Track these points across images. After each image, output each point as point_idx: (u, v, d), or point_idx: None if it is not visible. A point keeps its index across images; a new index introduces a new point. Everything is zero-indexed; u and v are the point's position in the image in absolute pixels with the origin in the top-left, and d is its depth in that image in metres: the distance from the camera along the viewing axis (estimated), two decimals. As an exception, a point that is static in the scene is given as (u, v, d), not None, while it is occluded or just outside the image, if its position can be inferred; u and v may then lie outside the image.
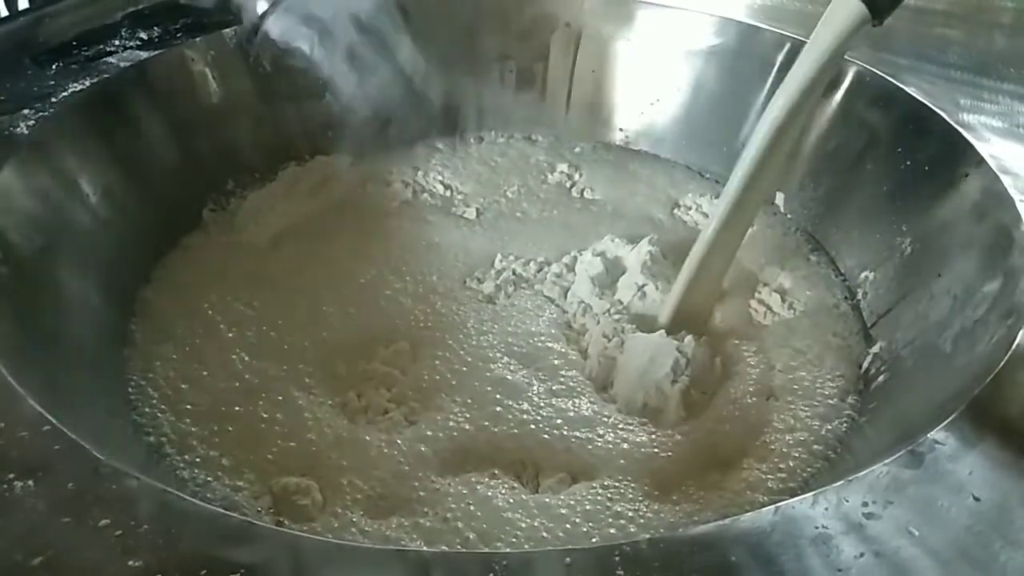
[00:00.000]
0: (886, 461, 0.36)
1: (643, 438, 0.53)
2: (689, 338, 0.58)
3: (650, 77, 0.79)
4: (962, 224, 0.56)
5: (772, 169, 0.55)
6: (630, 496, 0.49)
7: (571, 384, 0.57)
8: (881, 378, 0.55)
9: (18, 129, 0.56)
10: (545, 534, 0.46)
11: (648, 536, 0.33)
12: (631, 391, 0.56)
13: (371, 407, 0.55)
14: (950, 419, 0.38)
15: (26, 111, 0.58)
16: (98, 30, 0.70)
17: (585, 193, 0.77)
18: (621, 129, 0.82)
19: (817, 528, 0.33)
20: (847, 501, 0.34)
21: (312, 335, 0.60)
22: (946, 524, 0.33)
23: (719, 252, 0.59)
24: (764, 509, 0.33)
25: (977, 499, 0.34)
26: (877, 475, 0.35)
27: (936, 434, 0.37)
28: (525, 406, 0.55)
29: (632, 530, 0.46)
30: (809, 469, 0.51)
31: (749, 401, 0.56)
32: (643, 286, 0.63)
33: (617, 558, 0.31)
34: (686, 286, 0.60)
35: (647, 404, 0.55)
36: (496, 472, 0.50)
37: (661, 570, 0.31)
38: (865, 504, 0.34)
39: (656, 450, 0.52)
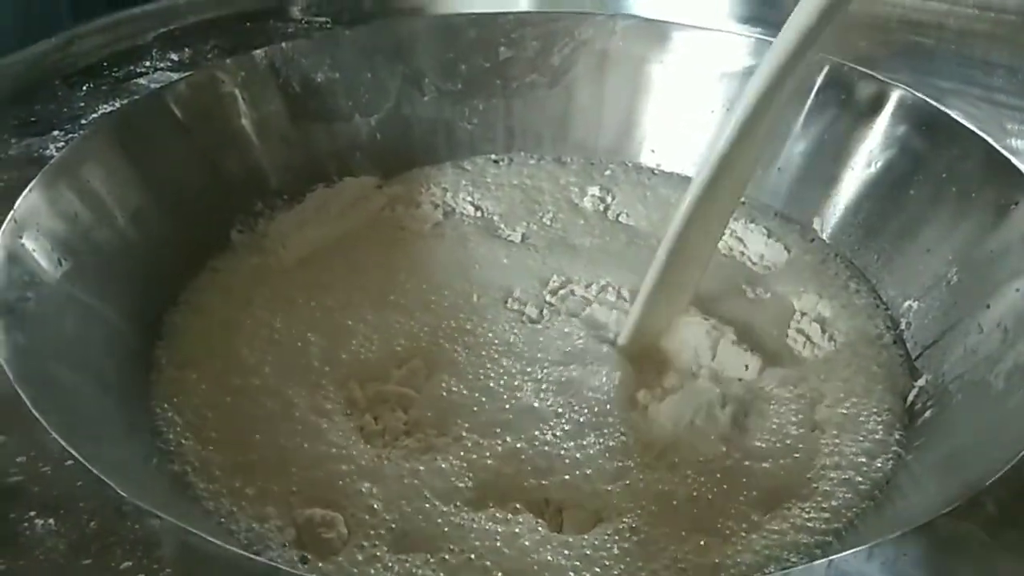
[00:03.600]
0: (944, 512, 0.34)
1: (676, 473, 0.51)
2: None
3: (683, 98, 0.78)
4: (1012, 254, 0.54)
5: (746, 162, 0.52)
6: (663, 538, 0.47)
7: (601, 415, 0.55)
8: (928, 413, 0.53)
9: (48, 151, 0.56)
10: (572, 574, 0.45)
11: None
12: (679, 407, 0.55)
13: (388, 430, 0.54)
14: (1010, 466, 0.36)
15: (56, 133, 0.58)
16: (128, 51, 0.70)
17: (620, 218, 0.76)
18: (653, 151, 0.81)
19: (874, 586, 0.31)
20: (905, 556, 0.32)
21: (335, 359, 0.59)
22: (1010, 581, 0.31)
23: (684, 260, 0.56)
24: (817, 563, 0.32)
25: (1043, 554, 0.32)
26: (935, 527, 0.33)
27: (995, 482, 0.35)
28: (549, 436, 0.53)
29: (666, 575, 0.44)
30: (855, 509, 0.48)
31: (791, 435, 0.53)
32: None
33: (659, 614, 0.30)
34: (648, 298, 0.57)
35: (692, 423, 0.54)
36: (518, 507, 0.48)
37: (707, 627, 0.29)
38: (923, 559, 0.32)
39: (692, 488, 0.50)
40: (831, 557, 0.32)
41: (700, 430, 0.54)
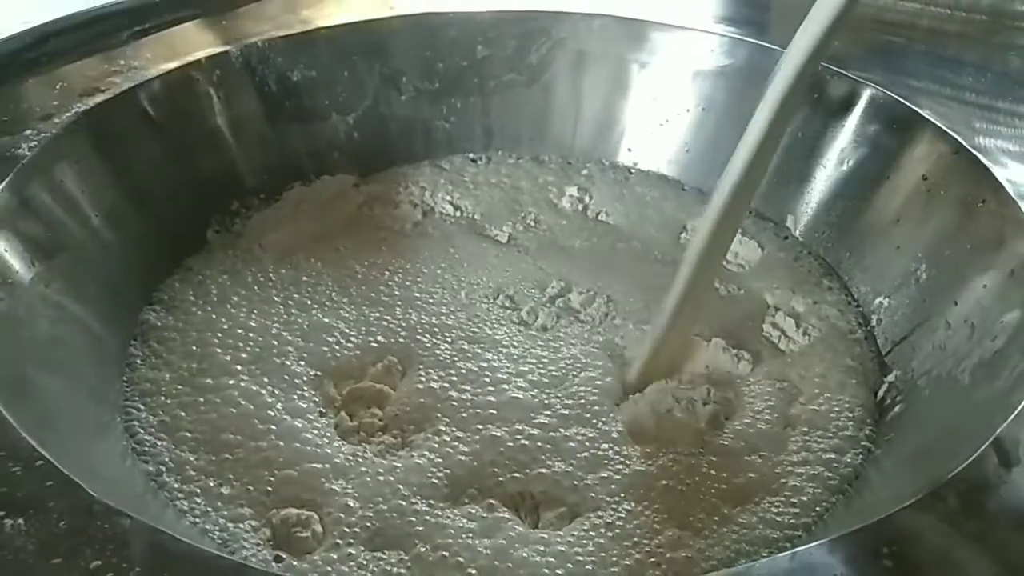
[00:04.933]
0: (906, 504, 0.34)
1: (652, 470, 0.51)
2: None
3: (659, 98, 0.78)
4: (980, 251, 0.55)
5: (757, 176, 0.51)
6: (637, 532, 0.47)
7: (584, 408, 0.56)
8: (897, 408, 0.54)
9: (20, 150, 0.56)
10: (546, 570, 0.45)
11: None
12: (661, 395, 0.55)
13: (363, 427, 0.54)
14: (971, 459, 0.36)
15: (28, 131, 0.58)
16: (103, 49, 0.70)
17: (600, 216, 0.76)
18: (630, 150, 0.81)
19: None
20: (866, 547, 0.32)
21: (311, 358, 0.59)
22: (969, 571, 0.32)
23: (697, 290, 0.54)
24: (780, 555, 0.32)
25: (1003, 546, 0.33)
26: (897, 519, 0.34)
27: (957, 475, 0.36)
28: (530, 429, 0.54)
29: (639, 570, 0.45)
30: (824, 503, 0.49)
31: (762, 430, 0.54)
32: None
33: (626, 607, 0.30)
34: (666, 331, 0.55)
35: (671, 411, 0.55)
36: (493, 503, 0.49)
37: (672, 620, 0.30)
38: (885, 551, 0.32)
39: (665, 482, 0.50)
40: (794, 550, 0.32)
41: (679, 421, 0.54)
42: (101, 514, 0.34)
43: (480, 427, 0.54)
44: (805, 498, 0.49)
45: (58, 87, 0.64)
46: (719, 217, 0.51)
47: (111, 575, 0.31)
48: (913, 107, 0.64)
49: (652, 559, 0.46)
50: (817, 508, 0.49)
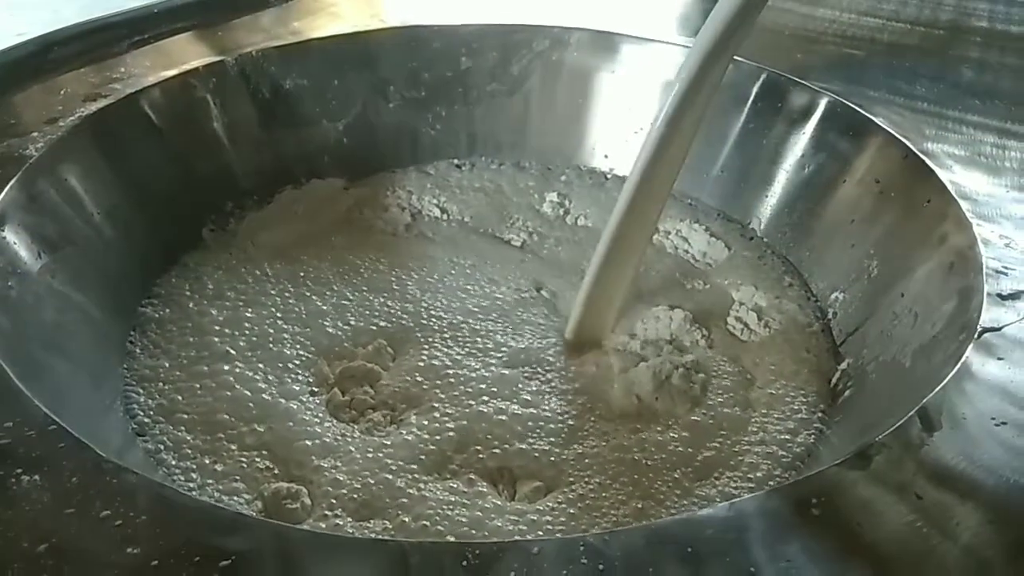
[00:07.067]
0: (836, 463, 0.38)
1: (623, 444, 0.55)
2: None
3: (632, 107, 0.83)
4: (924, 247, 0.59)
5: (673, 161, 0.57)
6: (605, 504, 0.51)
7: (565, 381, 0.60)
8: (847, 392, 0.58)
9: (27, 150, 0.59)
10: (519, 537, 0.48)
11: (612, 529, 0.35)
12: (662, 362, 0.60)
13: (354, 404, 0.58)
14: (897, 425, 0.40)
15: (35, 134, 0.61)
16: (105, 57, 0.73)
17: (579, 221, 0.80)
18: (606, 156, 0.86)
19: (770, 522, 0.35)
20: (799, 498, 0.36)
21: (304, 343, 0.63)
22: (889, 519, 0.36)
23: (620, 258, 0.60)
24: (720, 505, 0.36)
25: (920, 497, 0.37)
26: (827, 475, 0.38)
27: (884, 438, 0.40)
28: (512, 405, 0.58)
29: (605, 534, 0.48)
30: (776, 478, 0.53)
31: (724, 413, 0.58)
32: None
33: (582, 548, 0.34)
34: (588, 296, 0.62)
35: (669, 378, 0.59)
36: (473, 478, 0.52)
37: (623, 559, 0.33)
38: (816, 501, 0.36)
39: (633, 457, 0.54)
40: (732, 500, 0.36)
41: (676, 388, 0.59)
42: (110, 471, 0.37)
43: (456, 403, 0.58)
44: (760, 474, 0.53)
45: (62, 93, 0.67)
46: (634, 189, 0.57)
47: (119, 523, 0.34)
48: (868, 115, 0.68)
49: (619, 527, 0.49)
50: (770, 483, 0.53)
